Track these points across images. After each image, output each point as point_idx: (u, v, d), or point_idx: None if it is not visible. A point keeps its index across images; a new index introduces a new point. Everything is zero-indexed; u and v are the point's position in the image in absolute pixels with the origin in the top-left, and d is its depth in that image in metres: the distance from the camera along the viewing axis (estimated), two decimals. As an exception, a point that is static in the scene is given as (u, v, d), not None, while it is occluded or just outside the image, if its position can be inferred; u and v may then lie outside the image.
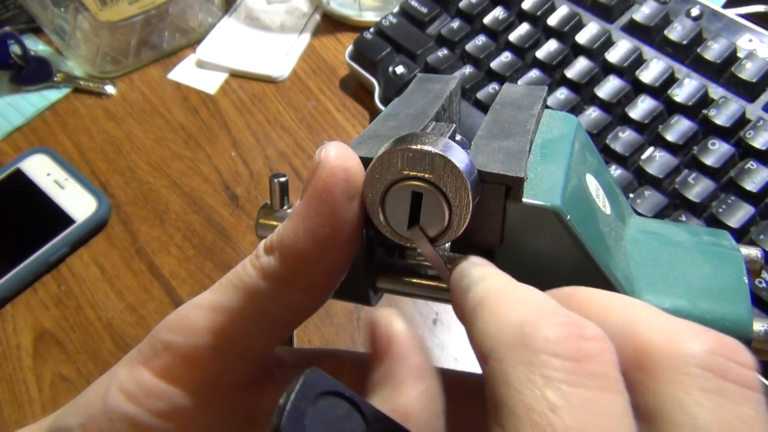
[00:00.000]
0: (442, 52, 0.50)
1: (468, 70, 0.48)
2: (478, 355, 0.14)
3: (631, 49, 0.45)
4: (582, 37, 0.47)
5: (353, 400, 0.14)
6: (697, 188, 0.39)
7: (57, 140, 0.54)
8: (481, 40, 0.49)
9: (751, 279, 0.20)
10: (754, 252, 0.23)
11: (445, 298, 0.22)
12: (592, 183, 0.21)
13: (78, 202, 0.48)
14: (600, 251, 0.18)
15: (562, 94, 0.45)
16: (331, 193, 0.17)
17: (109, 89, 0.57)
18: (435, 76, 0.25)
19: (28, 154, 0.51)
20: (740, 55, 0.43)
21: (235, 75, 0.57)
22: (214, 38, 0.60)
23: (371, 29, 0.53)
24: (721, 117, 0.41)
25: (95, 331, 0.43)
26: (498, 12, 0.50)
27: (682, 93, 0.42)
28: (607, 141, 0.42)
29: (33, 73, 0.57)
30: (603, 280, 0.18)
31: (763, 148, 0.39)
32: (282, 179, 0.24)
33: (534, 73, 0.47)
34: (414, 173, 0.17)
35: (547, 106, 0.24)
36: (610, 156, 0.42)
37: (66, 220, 0.47)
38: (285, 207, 0.25)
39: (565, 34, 0.47)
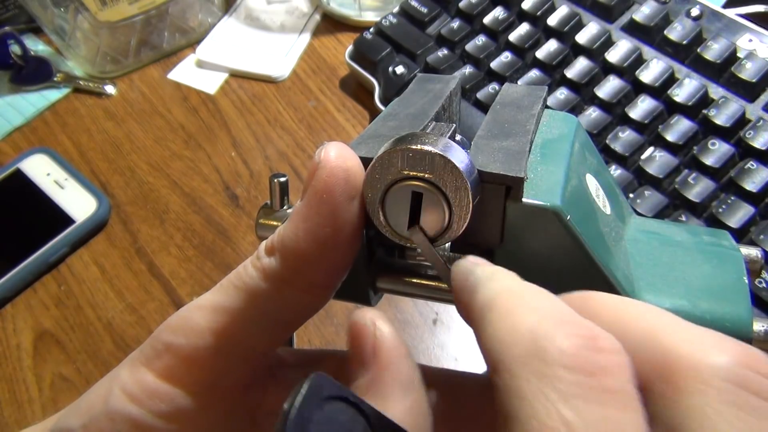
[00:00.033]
0: (442, 52, 0.50)
1: (468, 70, 0.48)
2: (487, 361, 0.14)
3: (631, 49, 0.45)
4: (582, 37, 0.47)
5: (358, 405, 0.14)
6: (697, 188, 0.39)
7: (57, 140, 0.54)
8: (481, 40, 0.49)
9: (751, 279, 0.20)
10: (754, 252, 0.23)
11: (445, 298, 0.22)
12: (592, 183, 0.21)
13: (78, 202, 0.48)
14: (600, 251, 0.18)
15: (562, 94, 0.45)
16: (331, 193, 0.17)
17: (109, 89, 0.57)
18: (435, 76, 0.25)
19: (28, 154, 0.51)
20: (740, 55, 0.43)
21: (235, 75, 0.57)
22: (214, 38, 0.60)
23: (371, 29, 0.53)
24: (721, 117, 0.41)
25: (95, 331, 0.43)
26: (498, 12, 0.50)
27: (682, 93, 0.42)
28: (607, 141, 0.42)
29: (33, 73, 0.57)
30: (603, 280, 0.18)
31: (763, 148, 0.39)
32: (282, 179, 0.24)
33: (534, 73, 0.47)
34: (414, 173, 0.17)
35: (547, 106, 0.24)
36: (610, 156, 0.42)
37: (66, 220, 0.47)
38: (285, 207, 0.25)
39: (565, 34, 0.47)
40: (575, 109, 0.44)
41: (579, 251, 0.18)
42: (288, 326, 0.20)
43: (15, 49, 0.57)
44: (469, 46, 0.49)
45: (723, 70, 0.42)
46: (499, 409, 0.13)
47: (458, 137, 0.21)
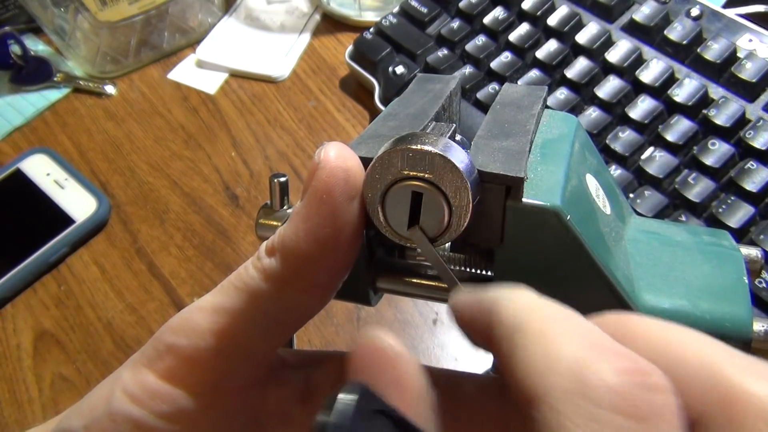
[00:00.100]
0: (442, 52, 0.50)
1: (468, 70, 0.48)
2: (518, 387, 0.13)
3: (631, 49, 0.45)
4: (582, 37, 0.47)
5: (402, 421, 0.13)
6: (697, 188, 0.39)
7: (57, 140, 0.54)
8: (481, 40, 0.49)
9: (751, 279, 0.20)
10: (754, 252, 0.23)
11: (445, 298, 0.22)
12: (592, 183, 0.21)
13: (78, 202, 0.48)
14: (600, 251, 0.18)
15: (562, 94, 0.45)
16: (331, 193, 0.17)
17: (109, 89, 0.57)
18: (435, 76, 0.25)
19: (28, 154, 0.51)
20: (740, 55, 0.43)
21: (235, 75, 0.57)
22: (214, 38, 0.60)
23: (371, 29, 0.53)
24: (721, 117, 0.41)
25: (95, 331, 0.43)
26: (498, 12, 0.50)
27: (682, 93, 0.42)
28: (607, 141, 0.42)
29: (33, 73, 0.57)
30: (603, 280, 0.18)
31: (763, 148, 0.39)
32: (282, 179, 0.24)
33: (534, 73, 0.47)
34: (414, 173, 0.17)
35: (547, 106, 0.24)
36: (610, 156, 0.42)
37: (66, 220, 0.47)
38: (285, 207, 0.25)
39: (565, 34, 0.47)
40: (575, 109, 0.44)
41: (579, 251, 0.18)
42: (289, 327, 0.20)
43: (15, 49, 0.57)
44: (469, 46, 0.49)
45: (723, 70, 0.42)
46: None
47: (458, 137, 0.21)
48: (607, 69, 0.45)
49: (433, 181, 0.17)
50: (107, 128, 0.55)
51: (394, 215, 0.18)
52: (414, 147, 0.16)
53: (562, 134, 0.21)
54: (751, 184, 0.38)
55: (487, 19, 0.50)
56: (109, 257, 0.46)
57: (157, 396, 0.19)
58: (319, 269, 0.18)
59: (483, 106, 0.46)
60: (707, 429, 0.12)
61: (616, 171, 0.41)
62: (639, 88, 0.44)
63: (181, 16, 0.59)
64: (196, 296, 0.43)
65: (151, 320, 0.43)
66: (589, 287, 0.18)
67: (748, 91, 0.41)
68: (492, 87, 0.47)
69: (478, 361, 0.39)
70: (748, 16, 0.47)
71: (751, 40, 0.43)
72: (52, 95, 0.57)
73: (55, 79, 0.57)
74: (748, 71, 0.41)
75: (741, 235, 0.37)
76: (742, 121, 0.40)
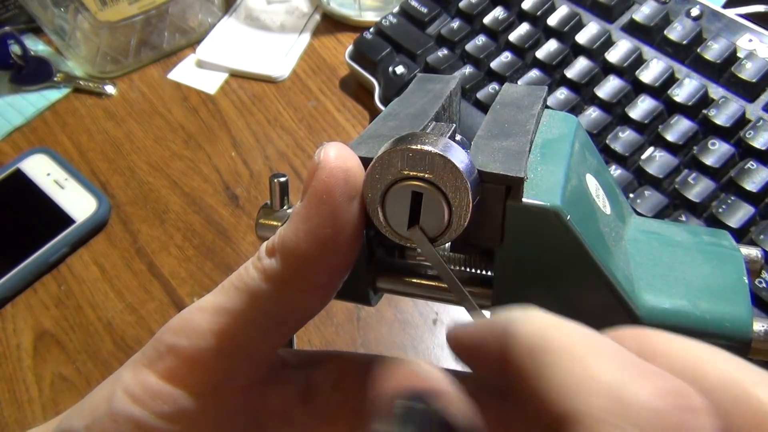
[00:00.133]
0: (442, 52, 0.50)
1: (468, 70, 0.48)
2: (550, 409, 0.12)
3: (631, 49, 0.45)
4: (582, 37, 0.47)
5: (460, 427, 0.12)
6: (697, 188, 0.39)
7: (57, 140, 0.54)
8: (481, 40, 0.49)
9: (751, 279, 0.20)
10: (754, 252, 0.23)
11: (445, 298, 0.22)
12: (592, 183, 0.21)
13: (78, 202, 0.48)
14: (600, 251, 0.18)
15: (562, 94, 0.45)
16: (331, 194, 0.17)
17: (109, 89, 0.57)
18: (435, 76, 0.25)
19: (28, 154, 0.51)
20: (740, 55, 0.43)
21: (235, 75, 0.57)
22: (214, 38, 0.60)
23: (371, 29, 0.53)
24: (721, 117, 0.41)
25: (95, 331, 0.43)
26: (498, 12, 0.50)
27: (682, 93, 0.42)
28: (607, 141, 0.42)
29: (33, 73, 0.57)
30: (603, 280, 0.18)
31: (763, 148, 0.39)
32: (282, 179, 0.24)
33: (534, 73, 0.47)
34: (414, 173, 0.17)
35: (547, 106, 0.24)
36: (610, 156, 0.42)
37: (66, 220, 0.47)
38: (285, 207, 0.25)
39: (565, 34, 0.47)
40: (575, 109, 0.44)
41: (579, 251, 0.18)
42: (289, 327, 0.20)
43: (15, 49, 0.57)
44: (469, 46, 0.49)
45: (723, 70, 0.42)
46: None
47: (458, 137, 0.21)
48: (607, 69, 0.45)
49: (433, 181, 0.17)
50: (107, 128, 0.55)
51: (394, 215, 0.18)
52: (414, 147, 0.16)
53: (562, 134, 0.21)
54: (751, 184, 0.38)
55: (487, 19, 0.50)
56: (109, 257, 0.46)
57: (158, 396, 0.19)
58: (320, 269, 0.18)
59: (483, 106, 0.46)
60: None
61: (616, 171, 0.41)
62: (639, 88, 0.44)
63: (181, 16, 0.59)
64: (196, 296, 0.44)
65: (151, 320, 0.43)
66: (589, 287, 0.18)
67: (748, 91, 0.41)
68: (492, 87, 0.47)
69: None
70: (748, 16, 0.47)
71: (751, 40, 0.43)
72: (52, 95, 0.57)
73: (55, 79, 0.57)
74: (748, 71, 0.41)
75: (741, 235, 0.37)
76: (742, 121, 0.40)
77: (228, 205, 0.49)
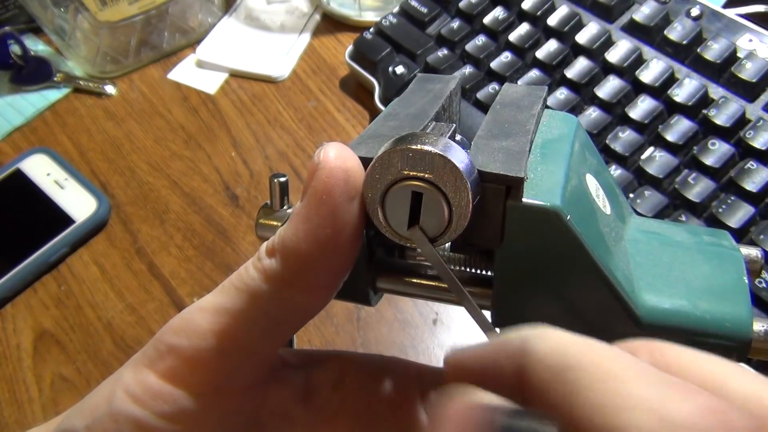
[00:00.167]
0: (442, 52, 0.50)
1: (468, 70, 0.48)
2: (587, 426, 0.12)
3: (631, 49, 0.45)
4: (582, 37, 0.47)
5: None
6: (697, 188, 0.39)
7: (57, 140, 0.54)
8: (481, 40, 0.49)
9: (751, 279, 0.20)
10: (754, 252, 0.23)
11: (445, 298, 0.22)
12: (592, 183, 0.21)
13: (78, 202, 0.48)
14: (600, 251, 0.18)
15: (562, 94, 0.45)
16: (330, 194, 0.17)
17: (109, 89, 0.57)
18: (435, 76, 0.25)
19: (28, 154, 0.51)
20: (740, 55, 0.43)
21: (235, 75, 0.57)
22: (214, 38, 0.60)
23: (371, 29, 0.53)
24: (721, 117, 0.41)
25: (95, 331, 0.43)
26: (498, 12, 0.50)
27: (682, 93, 0.42)
28: (607, 141, 0.42)
29: (33, 73, 0.57)
30: (603, 280, 0.18)
31: (763, 148, 0.39)
32: (282, 179, 0.24)
33: (534, 73, 0.47)
34: (414, 173, 0.17)
35: (547, 106, 0.24)
36: (610, 156, 0.42)
37: (66, 220, 0.47)
38: (285, 207, 0.25)
39: (565, 34, 0.47)
40: (575, 109, 0.44)
41: (579, 251, 0.18)
42: (289, 327, 0.20)
43: (15, 49, 0.57)
44: (469, 46, 0.49)
45: (723, 70, 0.42)
46: None
47: (458, 137, 0.21)
48: (607, 69, 0.45)
49: (433, 181, 0.17)
50: (107, 128, 0.55)
51: (394, 215, 0.18)
52: (414, 147, 0.16)
53: (562, 134, 0.21)
54: (751, 184, 0.38)
55: (487, 19, 0.50)
56: (109, 257, 0.46)
57: (159, 396, 0.19)
58: (320, 270, 0.18)
59: (483, 106, 0.46)
60: None
61: (616, 171, 0.41)
62: (639, 88, 0.44)
63: (181, 16, 0.59)
64: (196, 296, 0.44)
65: (151, 320, 0.43)
66: (589, 287, 0.18)
67: (748, 91, 0.41)
68: (492, 87, 0.47)
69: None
70: (748, 16, 0.47)
71: (751, 40, 0.43)
72: (52, 95, 0.57)
73: (55, 79, 0.57)
74: (748, 71, 0.41)
75: (741, 235, 0.37)
76: (742, 121, 0.40)
77: (228, 205, 0.49)
